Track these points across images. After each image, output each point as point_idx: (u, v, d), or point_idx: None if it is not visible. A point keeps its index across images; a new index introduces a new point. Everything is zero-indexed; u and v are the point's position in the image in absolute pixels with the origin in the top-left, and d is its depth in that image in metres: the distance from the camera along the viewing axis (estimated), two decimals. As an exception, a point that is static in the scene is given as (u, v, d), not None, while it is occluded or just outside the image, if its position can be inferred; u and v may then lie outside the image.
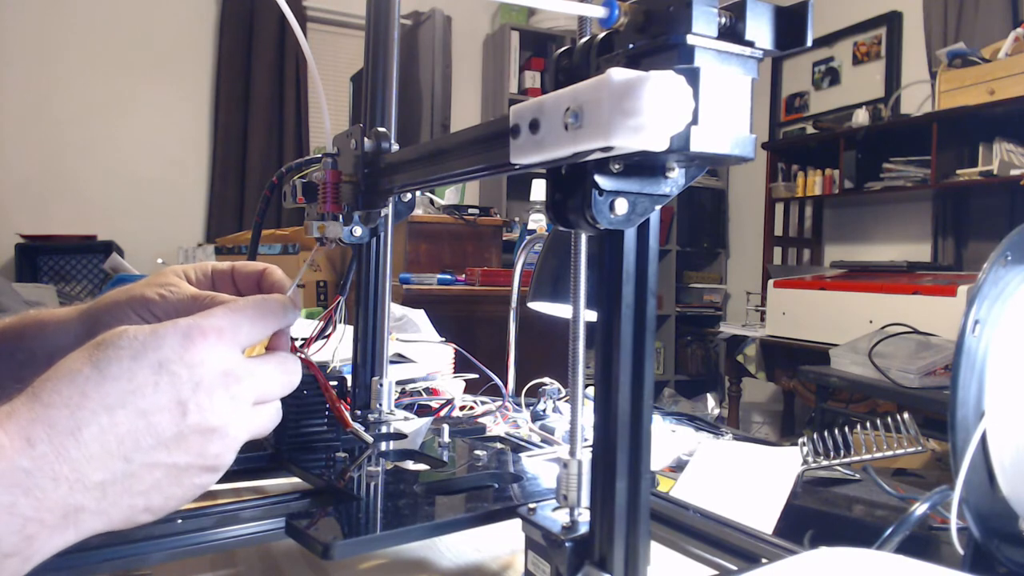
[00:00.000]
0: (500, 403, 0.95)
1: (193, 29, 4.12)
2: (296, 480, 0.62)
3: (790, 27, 0.33)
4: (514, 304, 1.18)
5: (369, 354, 0.73)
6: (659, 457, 0.85)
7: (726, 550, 0.48)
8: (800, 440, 0.82)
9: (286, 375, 0.43)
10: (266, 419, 0.42)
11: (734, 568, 0.47)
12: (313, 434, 0.65)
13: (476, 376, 1.08)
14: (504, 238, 2.77)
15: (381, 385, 0.71)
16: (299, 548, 0.48)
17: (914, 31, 3.76)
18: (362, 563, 0.53)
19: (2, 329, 0.51)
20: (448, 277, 2.27)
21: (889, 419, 0.82)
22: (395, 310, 1.35)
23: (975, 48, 3.13)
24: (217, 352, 0.38)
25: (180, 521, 0.47)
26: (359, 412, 0.71)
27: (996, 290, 0.51)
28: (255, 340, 0.43)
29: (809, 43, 0.33)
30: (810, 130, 4.18)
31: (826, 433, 0.81)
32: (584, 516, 0.41)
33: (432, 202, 2.61)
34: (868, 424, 0.82)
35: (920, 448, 0.79)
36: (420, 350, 1.09)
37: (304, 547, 0.46)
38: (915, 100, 3.74)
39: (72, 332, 0.50)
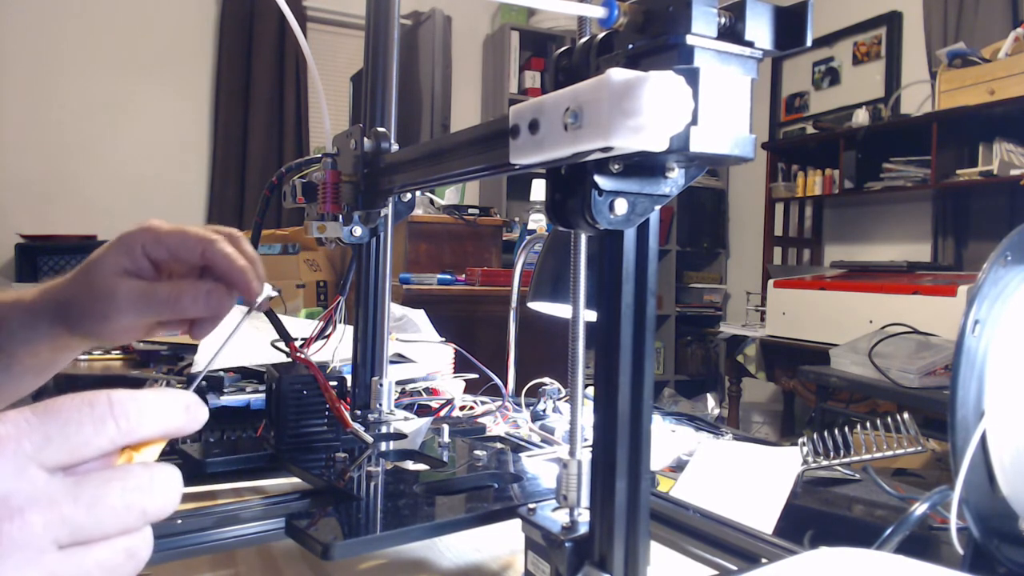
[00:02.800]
0: (500, 403, 0.95)
1: (193, 29, 4.12)
2: (296, 480, 0.62)
3: (790, 27, 0.33)
4: (514, 304, 1.18)
5: (369, 354, 0.72)
6: (659, 457, 0.85)
7: (726, 550, 0.48)
8: (800, 440, 0.82)
9: (127, 497, 0.27)
10: (101, 569, 0.27)
11: (734, 568, 0.47)
12: (313, 434, 0.65)
13: (476, 376, 1.08)
14: (504, 238, 2.77)
15: (381, 385, 0.71)
16: (299, 548, 0.48)
17: (914, 31, 3.76)
18: (362, 563, 0.53)
19: None
20: (448, 277, 2.26)
21: (889, 419, 0.82)
22: (395, 310, 1.35)
23: (975, 48, 3.13)
24: None
25: (180, 521, 0.47)
26: (359, 412, 0.71)
27: (996, 290, 0.51)
28: (69, 460, 0.27)
29: (809, 43, 0.33)
30: (810, 130, 4.18)
31: (826, 433, 0.81)
32: (584, 516, 0.41)
33: (432, 202, 2.60)
34: (868, 424, 0.82)
35: (920, 448, 0.79)
36: (420, 350, 1.09)
37: (304, 547, 0.46)
38: (915, 100, 3.73)
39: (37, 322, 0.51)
